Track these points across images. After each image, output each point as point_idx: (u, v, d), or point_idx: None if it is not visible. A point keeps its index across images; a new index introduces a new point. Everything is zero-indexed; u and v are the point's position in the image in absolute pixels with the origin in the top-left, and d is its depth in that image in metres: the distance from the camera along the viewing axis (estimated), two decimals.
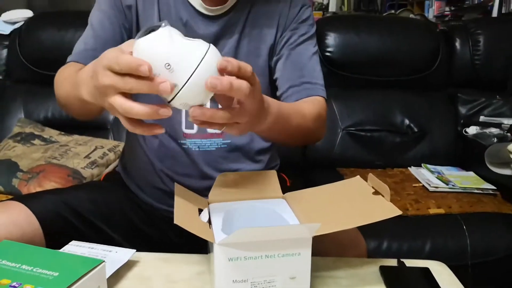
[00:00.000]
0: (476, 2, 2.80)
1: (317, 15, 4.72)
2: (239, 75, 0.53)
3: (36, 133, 1.51)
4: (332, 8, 5.52)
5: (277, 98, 0.90)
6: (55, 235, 0.75)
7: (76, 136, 1.52)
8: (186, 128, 0.86)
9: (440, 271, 0.67)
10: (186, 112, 0.84)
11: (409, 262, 0.69)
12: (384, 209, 0.61)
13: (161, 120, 0.71)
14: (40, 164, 1.31)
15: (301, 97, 0.86)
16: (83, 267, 0.46)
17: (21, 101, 1.64)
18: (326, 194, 0.69)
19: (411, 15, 2.47)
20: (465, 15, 2.80)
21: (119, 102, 0.50)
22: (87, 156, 1.39)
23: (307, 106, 0.83)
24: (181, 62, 0.48)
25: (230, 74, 0.52)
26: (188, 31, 0.83)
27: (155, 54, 0.47)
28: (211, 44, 0.51)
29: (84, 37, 0.84)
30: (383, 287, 0.63)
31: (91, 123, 1.57)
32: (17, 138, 1.47)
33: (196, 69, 0.48)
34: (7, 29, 1.73)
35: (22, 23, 1.72)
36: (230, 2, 0.84)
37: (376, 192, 0.65)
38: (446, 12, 2.98)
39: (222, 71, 0.52)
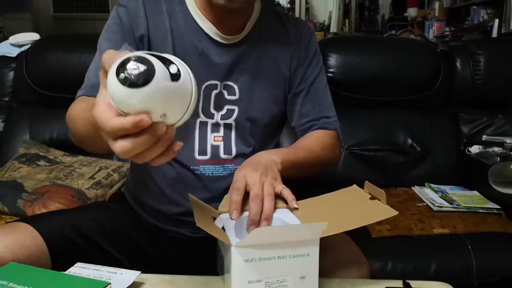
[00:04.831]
0: (476, 23, 2.84)
1: (319, 35, 4.79)
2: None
3: (41, 154, 1.52)
4: (334, 28, 5.60)
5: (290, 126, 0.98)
6: (61, 256, 0.76)
7: (80, 157, 1.52)
8: (199, 155, 0.87)
9: None
10: (200, 138, 0.87)
11: (415, 283, 0.68)
12: (381, 211, 0.67)
13: None
14: (45, 185, 1.32)
15: (316, 129, 0.94)
16: None
17: (27, 123, 1.66)
18: (327, 201, 0.75)
19: (412, 36, 2.50)
20: (465, 36, 2.84)
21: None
22: (92, 177, 1.40)
23: (320, 138, 0.92)
24: (175, 109, 0.45)
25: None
26: (204, 60, 0.84)
27: (149, 109, 0.43)
28: (186, 68, 0.47)
29: (95, 68, 0.82)
30: None
31: None
32: (22, 159, 1.48)
33: (188, 106, 0.47)
34: (14, 52, 1.76)
35: (29, 45, 1.75)
36: (245, 31, 0.86)
37: (373, 197, 0.71)
38: (446, 33, 3.02)
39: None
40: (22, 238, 0.74)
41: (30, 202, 1.25)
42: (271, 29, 0.90)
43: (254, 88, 0.88)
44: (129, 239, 0.88)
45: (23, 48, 1.76)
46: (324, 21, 6.02)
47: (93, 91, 0.78)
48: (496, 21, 2.62)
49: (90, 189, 1.35)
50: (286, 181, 0.99)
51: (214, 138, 0.87)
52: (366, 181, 0.72)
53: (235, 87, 0.87)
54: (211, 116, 0.87)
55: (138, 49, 0.83)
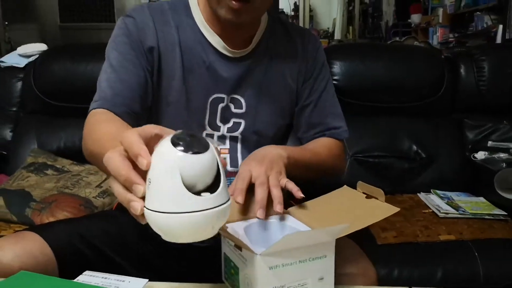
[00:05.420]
0: (479, 29, 2.84)
1: (323, 43, 4.82)
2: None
3: (49, 163, 1.54)
4: (338, 35, 5.62)
5: (298, 135, 0.99)
6: (68, 265, 0.76)
7: (88, 166, 1.54)
8: None
9: None
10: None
11: None
12: (383, 208, 0.68)
13: None
14: (53, 194, 1.34)
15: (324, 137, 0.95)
16: None
17: (35, 132, 1.68)
18: (325, 204, 0.75)
19: (416, 43, 2.51)
20: (469, 42, 2.84)
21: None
22: (99, 186, 1.41)
23: (328, 145, 0.93)
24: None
25: None
26: (211, 74, 0.85)
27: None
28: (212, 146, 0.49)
29: (107, 80, 0.81)
30: None
31: None
32: (30, 168, 1.50)
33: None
34: (22, 62, 1.78)
35: (37, 56, 1.78)
36: (252, 45, 0.87)
37: (369, 196, 0.72)
38: (450, 39, 3.03)
39: None
40: (30, 248, 0.75)
41: (38, 211, 1.26)
42: (278, 42, 0.91)
43: (261, 101, 0.89)
44: (136, 248, 0.89)
45: (31, 59, 1.79)
46: (328, 28, 6.05)
47: (111, 105, 0.78)
48: (500, 27, 2.63)
49: (97, 198, 1.36)
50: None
51: (220, 151, 0.88)
52: (359, 181, 0.73)
53: (242, 100, 0.88)
54: (217, 129, 0.88)
55: (147, 59, 0.83)
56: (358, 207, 0.71)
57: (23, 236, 0.78)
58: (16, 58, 1.81)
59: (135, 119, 0.80)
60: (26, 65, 1.77)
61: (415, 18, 4.60)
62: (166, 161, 0.45)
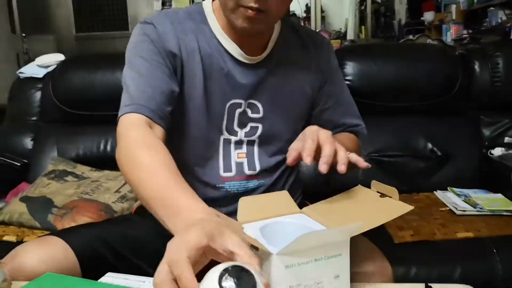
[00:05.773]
0: (493, 24, 2.81)
1: (335, 43, 4.80)
2: None
3: (69, 170, 1.58)
4: (350, 35, 5.60)
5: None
6: (90, 267, 0.79)
7: (106, 172, 1.57)
8: (224, 172, 0.90)
9: None
10: (224, 156, 0.89)
11: (437, 287, 0.69)
12: (397, 207, 0.69)
13: (198, 168, 0.82)
14: (73, 200, 1.37)
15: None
16: None
17: (54, 140, 1.72)
18: (339, 203, 0.77)
19: (429, 40, 2.49)
20: (483, 37, 2.81)
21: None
22: (117, 191, 1.44)
23: (349, 137, 0.99)
24: None
25: None
26: (229, 80, 0.87)
27: None
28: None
29: (137, 86, 0.81)
30: None
31: None
32: (51, 176, 1.54)
33: None
34: (40, 73, 1.83)
35: (55, 66, 1.82)
36: (267, 51, 0.89)
37: (383, 195, 0.73)
38: (464, 35, 3.00)
39: None
40: (54, 252, 0.77)
41: (60, 217, 1.30)
42: (291, 48, 0.93)
43: (277, 106, 0.91)
44: (154, 250, 0.90)
45: (49, 69, 1.83)
46: (341, 28, 6.03)
47: (141, 108, 0.78)
48: None
49: (116, 203, 1.39)
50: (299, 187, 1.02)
51: (238, 155, 0.90)
52: (373, 180, 0.74)
53: (259, 105, 0.89)
54: (234, 133, 0.89)
55: (171, 64, 0.83)
56: (372, 206, 0.73)
57: (46, 240, 0.81)
58: (34, 69, 1.85)
59: (165, 123, 0.81)
60: (45, 75, 1.81)
61: (428, 16, 4.56)
62: None
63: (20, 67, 4.29)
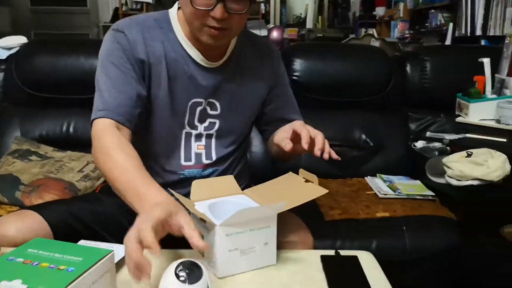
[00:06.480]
0: (434, 25, 3.07)
1: (293, 31, 4.96)
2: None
3: (33, 149, 1.67)
4: (309, 23, 5.77)
5: (260, 128, 1.19)
6: (62, 239, 0.92)
7: (69, 152, 1.68)
8: (185, 161, 1.05)
9: (366, 258, 0.88)
10: (185, 147, 1.04)
11: (344, 253, 0.89)
12: (315, 190, 0.88)
13: (162, 157, 1.00)
14: (39, 178, 1.48)
15: None
16: (98, 254, 0.65)
17: (18, 121, 1.78)
18: (273, 186, 0.96)
19: (373, 39, 2.72)
20: (423, 38, 3.06)
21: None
22: (80, 170, 1.56)
23: None
24: None
25: None
26: (191, 82, 1.00)
27: None
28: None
29: (108, 91, 0.94)
30: (321, 270, 0.83)
31: (82, 140, 1.75)
32: (15, 155, 1.63)
33: None
34: (3, 54, 1.87)
35: (18, 48, 1.88)
36: (226, 56, 1.03)
37: (307, 181, 0.92)
38: (406, 35, 3.24)
39: None
40: (30, 224, 0.90)
41: (27, 194, 1.41)
42: (247, 54, 1.08)
43: (233, 104, 1.06)
44: (118, 224, 1.05)
45: (12, 51, 1.88)
46: (301, 14, 6.17)
47: (112, 114, 0.92)
48: (451, 25, 2.85)
49: (80, 181, 1.51)
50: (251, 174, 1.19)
51: (197, 147, 1.05)
52: (301, 169, 0.94)
53: (217, 104, 1.04)
54: (195, 127, 1.04)
55: (139, 70, 0.96)
56: (297, 189, 0.91)
57: (24, 213, 0.94)
58: None
59: (133, 125, 0.95)
60: (8, 57, 1.87)
61: (380, 11, 4.82)
62: None
63: None
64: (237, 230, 0.77)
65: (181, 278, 0.63)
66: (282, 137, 0.96)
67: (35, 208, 0.98)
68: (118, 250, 0.82)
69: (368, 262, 0.86)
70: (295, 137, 0.93)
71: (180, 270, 0.63)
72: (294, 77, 1.86)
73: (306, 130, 0.91)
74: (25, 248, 0.67)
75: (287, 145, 0.91)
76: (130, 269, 0.66)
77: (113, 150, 0.88)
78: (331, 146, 1.81)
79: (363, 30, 4.74)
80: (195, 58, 1.00)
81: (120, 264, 0.80)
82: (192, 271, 0.64)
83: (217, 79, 1.03)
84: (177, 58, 1.00)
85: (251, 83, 1.08)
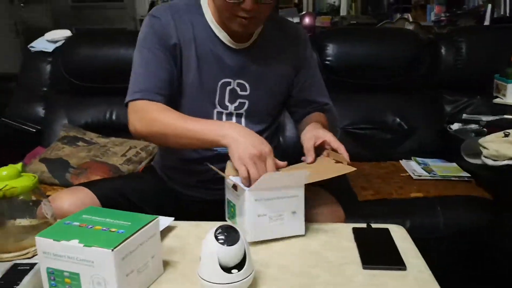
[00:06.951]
0: (471, 7, 2.98)
1: (326, 19, 4.93)
2: None
3: (79, 136, 1.78)
4: (343, 11, 5.71)
5: (290, 109, 1.23)
6: None
7: (112, 138, 1.78)
8: None
9: (397, 231, 0.90)
10: None
11: (375, 225, 0.92)
12: (344, 168, 0.92)
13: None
14: (86, 162, 1.58)
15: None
16: (145, 220, 0.72)
17: (64, 109, 1.91)
18: (304, 165, 0.99)
19: (407, 23, 2.67)
20: (460, 21, 2.98)
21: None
22: (123, 155, 1.65)
23: (323, 117, 1.18)
24: None
25: None
26: (219, 62, 1.06)
27: None
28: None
29: (143, 74, 1.01)
30: (353, 241, 0.86)
31: (124, 126, 1.84)
32: (64, 141, 1.74)
33: None
34: (50, 47, 2.00)
35: (63, 41, 2.00)
36: (253, 38, 1.08)
37: (337, 162, 0.95)
38: (442, 18, 3.17)
39: None
40: (83, 198, 0.99)
41: (76, 176, 1.52)
42: (273, 35, 1.12)
43: (261, 85, 1.10)
44: (157, 200, 1.13)
45: (58, 44, 2.00)
46: (334, 2, 6.10)
47: (149, 95, 0.99)
48: (489, 6, 2.77)
49: (123, 165, 1.60)
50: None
51: None
52: (331, 151, 0.97)
53: (246, 84, 1.09)
54: (226, 107, 1.09)
55: (172, 55, 1.02)
56: (326, 167, 0.95)
57: (76, 189, 1.03)
58: (44, 44, 2.02)
59: (168, 103, 1.02)
60: (54, 49, 1.99)
61: None
62: (210, 250, 0.67)
63: (18, 35, 4.41)
64: (266, 197, 0.82)
65: (220, 241, 0.68)
66: (306, 146, 1.00)
67: (86, 184, 1.07)
68: (162, 220, 0.89)
69: (400, 235, 0.89)
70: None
71: (219, 233, 0.69)
72: (326, 62, 1.88)
73: (332, 139, 0.98)
74: (80, 214, 0.74)
75: (309, 158, 0.97)
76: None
77: (162, 111, 0.98)
78: (363, 129, 1.87)
79: (398, 15, 4.63)
80: (222, 39, 1.05)
81: (163, 234, 0.87)
82: (230, 234, 0.69)
83: (243, 60, 1.07)
84: (205, 39, 1.05)
85: (276, 65, 1.11)
